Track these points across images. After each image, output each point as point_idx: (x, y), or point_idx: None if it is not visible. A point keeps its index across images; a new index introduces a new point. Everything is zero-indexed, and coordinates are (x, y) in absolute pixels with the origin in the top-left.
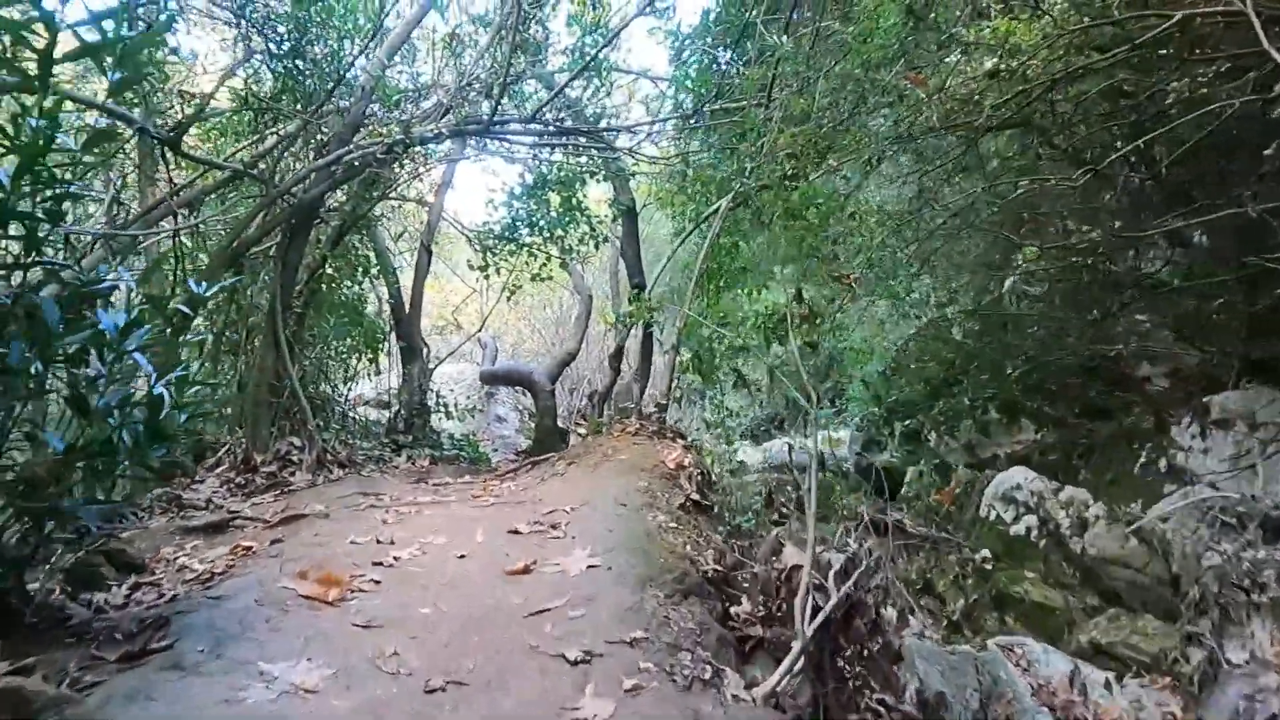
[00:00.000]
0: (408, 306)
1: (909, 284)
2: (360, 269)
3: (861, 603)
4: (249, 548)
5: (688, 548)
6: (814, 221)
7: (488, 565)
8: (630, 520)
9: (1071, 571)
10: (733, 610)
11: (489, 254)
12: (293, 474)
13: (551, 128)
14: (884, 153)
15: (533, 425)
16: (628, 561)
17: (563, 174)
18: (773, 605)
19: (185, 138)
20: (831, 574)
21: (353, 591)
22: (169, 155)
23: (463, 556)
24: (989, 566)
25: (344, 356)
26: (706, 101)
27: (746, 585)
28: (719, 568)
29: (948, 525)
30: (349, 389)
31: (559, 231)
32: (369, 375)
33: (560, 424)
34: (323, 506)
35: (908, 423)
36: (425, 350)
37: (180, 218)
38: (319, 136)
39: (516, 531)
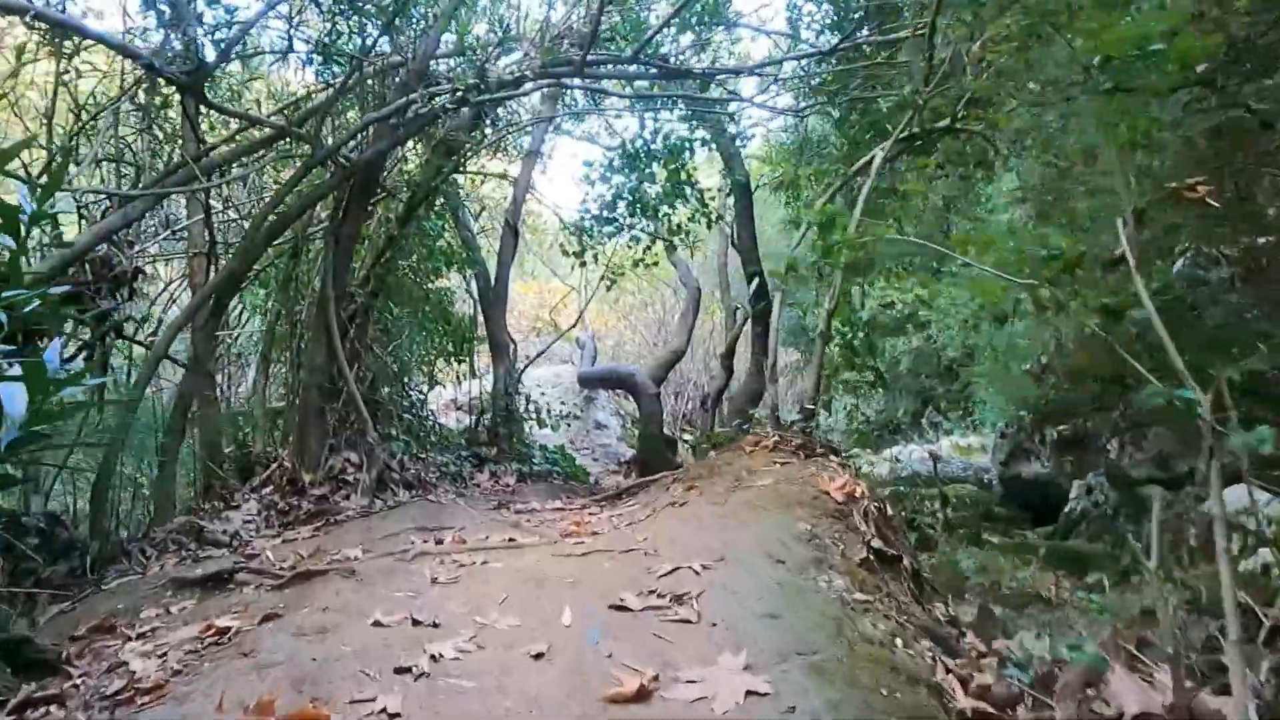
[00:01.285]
0: (491, 296)
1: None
2: (444, 260)
3: None
4: (224, 630)
5: (898, 644)
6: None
7: (578, 679)
8: (798, 591)
9: None
10: None
11: (585, 237)
12: (346, 497)
13: (656, 69)
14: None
15: (636, 432)
16: (817, 687)
17: (669, 142)
18: None
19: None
20: None
21: None
22: (200, 110)
23: (539, 656)
24: None
25: (429, 356)
26: (849, 35)
27: None
28: (982, 705)
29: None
30: (427, 392)
31: (665, 209)
32: (460, 378)
33: (666, 430)
34: (357, 552)
35: (1062, 429)
36: (512, 348)
37: (209, 181)
38: (380, 87)
39: (623, 607)
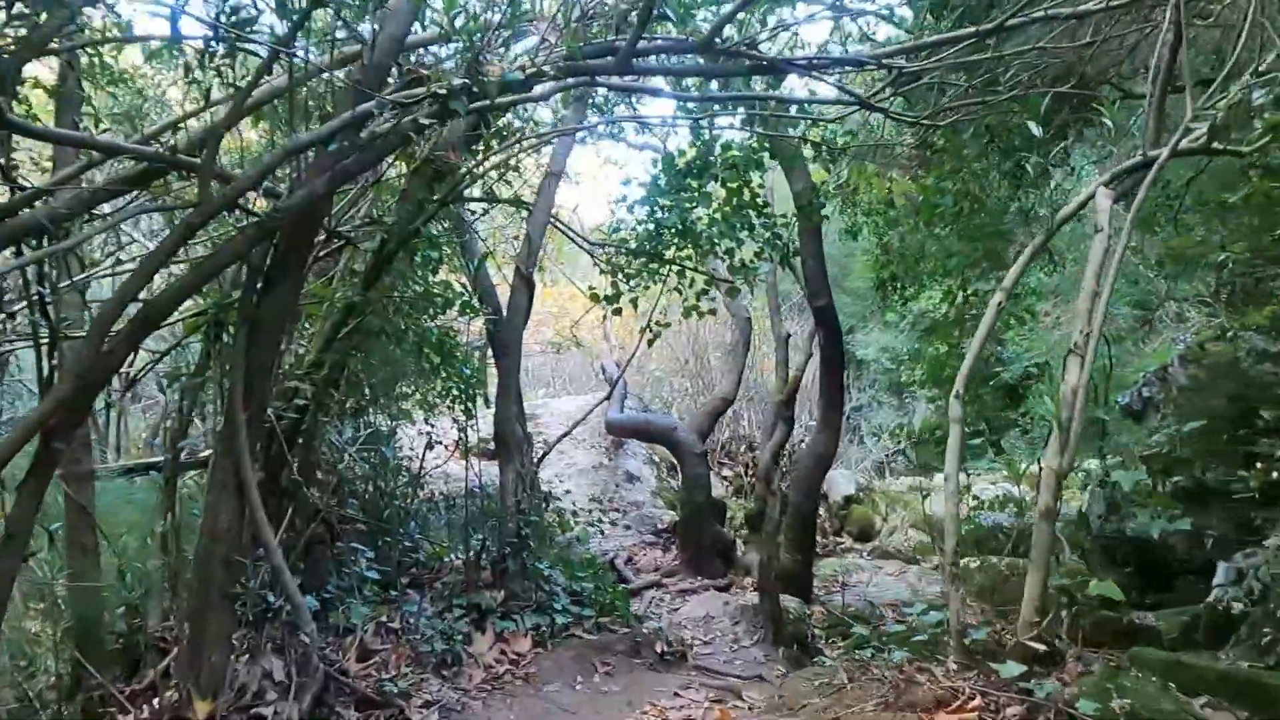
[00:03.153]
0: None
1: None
2: (442, 302)
3: None
4: None
5: None
6: None
7: None
8: None
9: None
10: None
11: (621, 276)
12: None
13: (740, 61)
14: None
15: (672, 484)
16: None
17: (730, 155)
18: None
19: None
20: None
21: None
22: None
23: None
24: None
25: (429, 401)
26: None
27: None
28: None
29: None
30: (422, 475)
31: (726, 243)
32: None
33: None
34: None
35: (1178, 479)
36: (526, 444)
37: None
38: (324, 90)
39: None
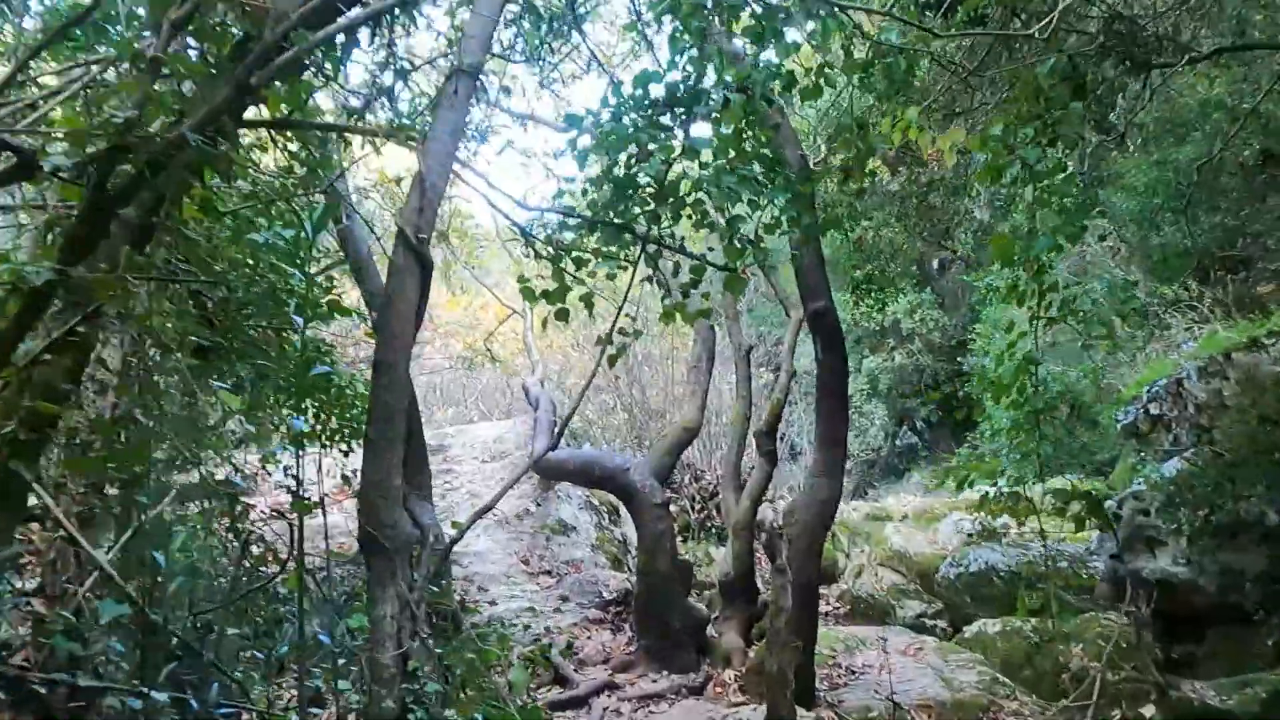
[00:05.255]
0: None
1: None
2: (298, 308)
3: None
4: None
5: None
6: None
7: None
8: None
9: None
10: None
11: (569, 263)
12: None
13: None
14: None
15: (615, 533)
16: None
17: (743, 73)
18: None
19: None
20: None
21: None
22: None
23: None
24: None
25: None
26: None
27: None
28: None
29: None
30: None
31: (740, 208)
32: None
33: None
34: None
35: (1207, 513)
36: (430, 537)
37: None
38: None
39: None
